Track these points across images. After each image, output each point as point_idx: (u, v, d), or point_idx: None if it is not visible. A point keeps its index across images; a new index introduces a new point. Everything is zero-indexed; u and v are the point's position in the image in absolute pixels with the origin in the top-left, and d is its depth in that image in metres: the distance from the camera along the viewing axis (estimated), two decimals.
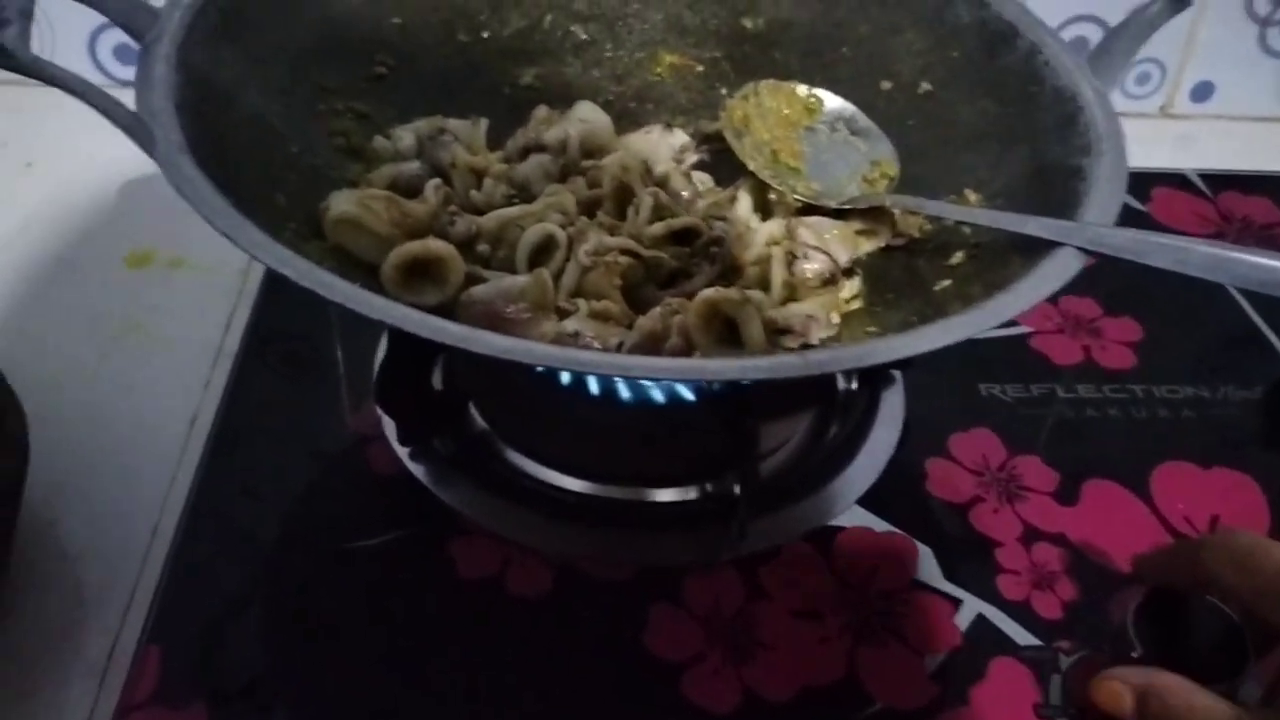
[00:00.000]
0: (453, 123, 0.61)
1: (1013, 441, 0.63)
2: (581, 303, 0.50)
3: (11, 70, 0.44)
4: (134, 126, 0.45)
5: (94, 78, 0.84)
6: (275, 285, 0.70)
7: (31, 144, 0.80)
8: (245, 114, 0.53)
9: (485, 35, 0.67)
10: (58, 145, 0.80)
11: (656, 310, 0.48)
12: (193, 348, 0.66)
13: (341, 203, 0.50)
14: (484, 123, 0.61)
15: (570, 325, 0.48)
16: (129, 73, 0.85)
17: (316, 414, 0.62)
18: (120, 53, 0.85)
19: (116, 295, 0.69)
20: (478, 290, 0.50)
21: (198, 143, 0.46)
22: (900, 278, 0.56)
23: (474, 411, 0.61)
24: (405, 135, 0.58)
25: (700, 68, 0.69)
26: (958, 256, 0.53)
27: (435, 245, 0.49)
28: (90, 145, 0.79)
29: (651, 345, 0.47)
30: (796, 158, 0.60)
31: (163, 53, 0.49)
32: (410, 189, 0.55)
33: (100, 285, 0.69)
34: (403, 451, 0.58)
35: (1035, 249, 0.47)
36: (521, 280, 0.50)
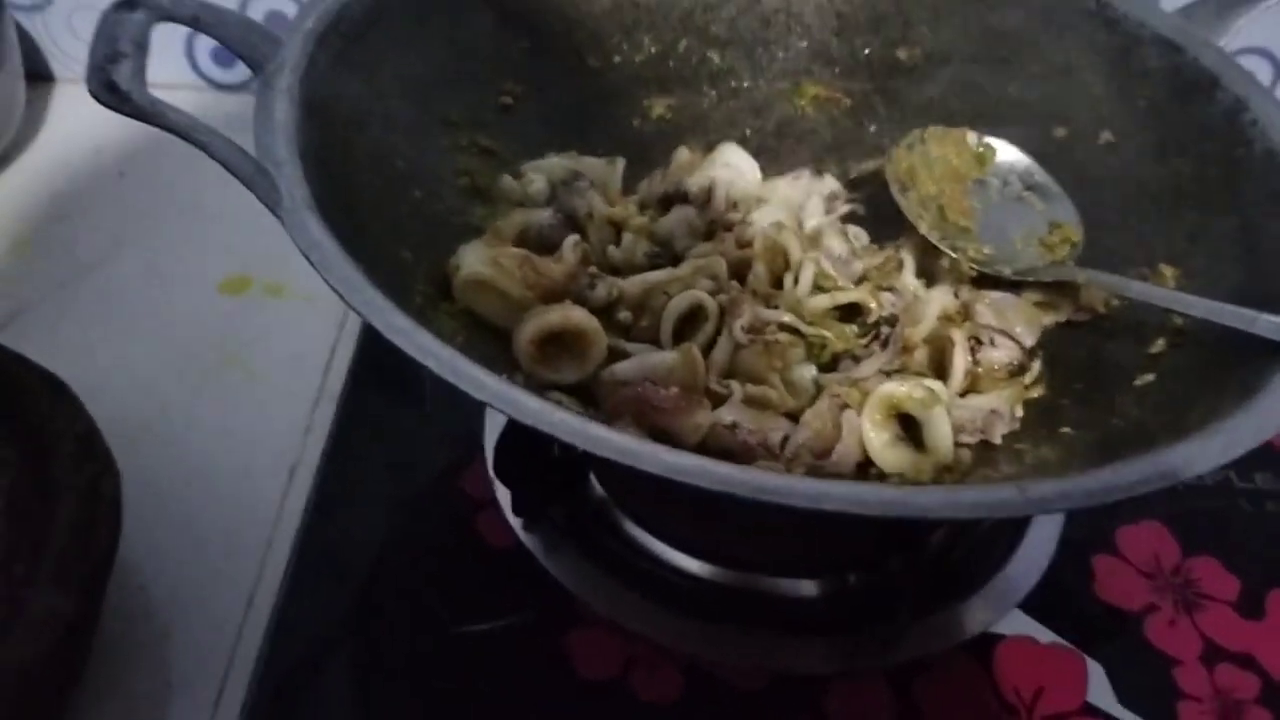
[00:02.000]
0: (587, 162, 0.56)
1: (1187, 538, 0.57)
2: (735, 386, 0.44)
3: (127, 115, 0.40)
4: (257, 180, 0.40)
5: (191, 80, 0.81)
6: None
7: (126, 151, 0.76)
8: (369, 154, 0.49)
9: (617, 61, 0.61)
10: (153, 153, 0.76)
11: (823, 404, 0.43)
12: (293, 387, 0.61)
13: (472, 262, 0.46)
14: (620, 163, 0.56)
15: (726, 415, 0.43)
16: (227, 76, 0.82)
17: (425, 469, 0.57)
18: (218, 55, 0.80)
19: (211, 325, 0.64)
20: (621, 368, 0.44)
21: (324, 195, 0.42)
22: (1087, 362, 0.49)
23: (593, 479, 0.56)
24: (536, 178, 0.52)
25: (848, 101, 0.63)
26: (1158, 344, 0.47)
27: (576, 317, 0.44)
28: (185, 153, 0.75)
29: (820, 446, 0.41)
30: (966, 215, 0.54)
31: (284, 86, 0.45)
32: (541, 240, 0.50)
33: (193, 313, 0.65)
34: (516, 522, 0.53)
35: (1256, 345, 0.41)
36: (669, 357, 0.45)
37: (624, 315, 0.47)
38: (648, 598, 0.50)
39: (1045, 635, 0.51)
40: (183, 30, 0.78)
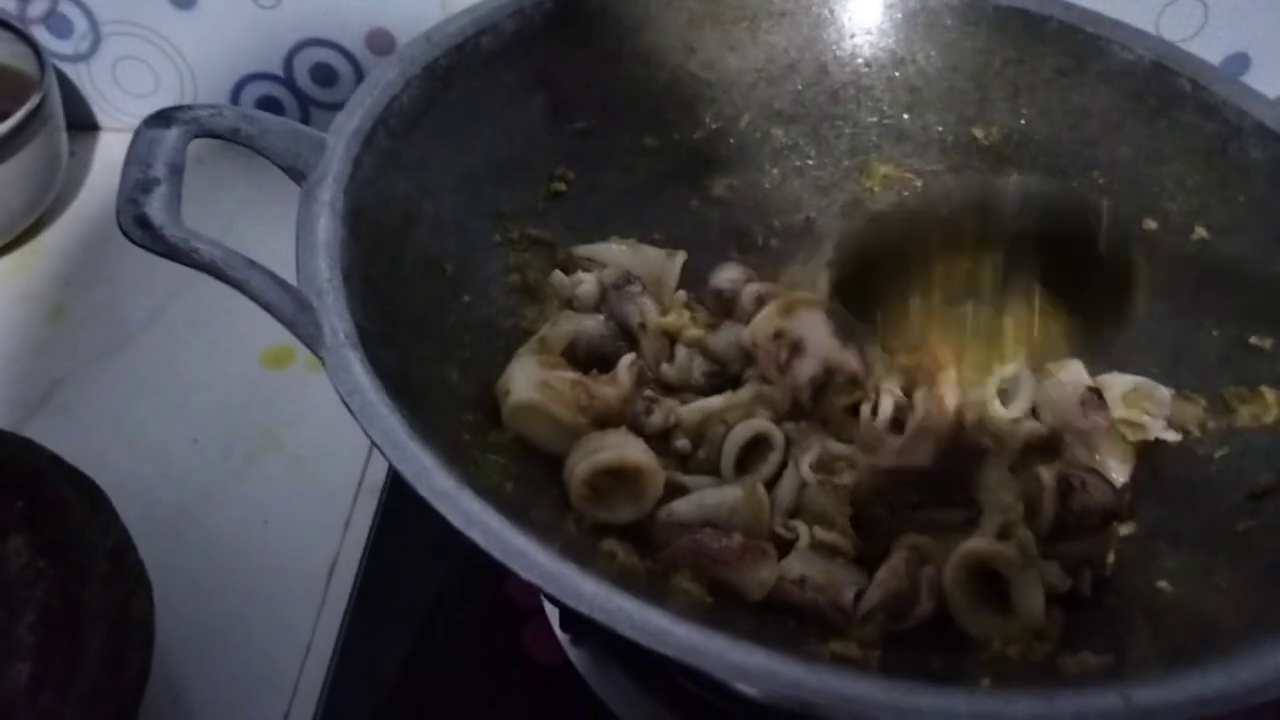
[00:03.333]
0: (647, 252, 0.53)
1: None
2: (802, 529, 0.41)
3: (158, 254, 0.37)
4: (299, 319, 0.37)
5: None
6: None
7: None
8: (417, 261, 0.46)
9: (675, 139, 0.58)
10: (197, 208, 0.73)
11: (899, 560, 0.39)
12: (333, 475, 0.59)
13: (522, 386, 0.43)
14: (680, 258, 0.53)
15: (794, 568, 0.40)
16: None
17: (469, 572, 0.55)
18: (267, 105, 0.78)
19: (250, 401, 0.63)
20: (679, 508, 0.42)
21: (368, 322, 0.39)
22: (1181, 498, 0.46)
23: None
24: (587, 281, 0.49)
25: (919, 182, 0.60)
26: (1265, 478, 0.44)
27: (632, 456, 0.41)
28: (232, 210, 0.74)
29: (896, 607, 0.38)
30: None
31: (326, 199, 0.42)
32: (591, 350, 0.47)
33: (235, 388, 0.63)
34: (564, 637, 0.51)
35: None
36: (730, 496, 0.42)
37: (681, 444, 0.44)
38: None
39: None
40: (230, 77, 0.77)
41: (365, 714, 0.50)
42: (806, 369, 0.44)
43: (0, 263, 0.69)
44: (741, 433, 0.43)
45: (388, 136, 0.46)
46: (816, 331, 0.45)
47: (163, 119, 0.40)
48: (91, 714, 0.42)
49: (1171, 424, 0.48)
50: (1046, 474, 0.42)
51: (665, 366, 0.47)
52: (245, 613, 0.53)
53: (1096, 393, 0.46)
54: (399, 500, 0.58)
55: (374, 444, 0.35)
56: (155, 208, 0.37)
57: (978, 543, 0.39)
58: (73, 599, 0.45)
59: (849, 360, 0.44)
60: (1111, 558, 0.42)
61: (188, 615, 0.52)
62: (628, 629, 0.31)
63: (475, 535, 0.33)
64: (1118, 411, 0.48)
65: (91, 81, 0.78)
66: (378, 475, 0.59)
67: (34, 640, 0.46)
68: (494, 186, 0.52)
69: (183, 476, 0.58)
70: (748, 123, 0.59)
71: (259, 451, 0.60)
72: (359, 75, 0.76)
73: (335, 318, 0.38)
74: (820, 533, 0.41)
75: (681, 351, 0.48)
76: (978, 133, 0.59)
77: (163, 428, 0.61)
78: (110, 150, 0.79)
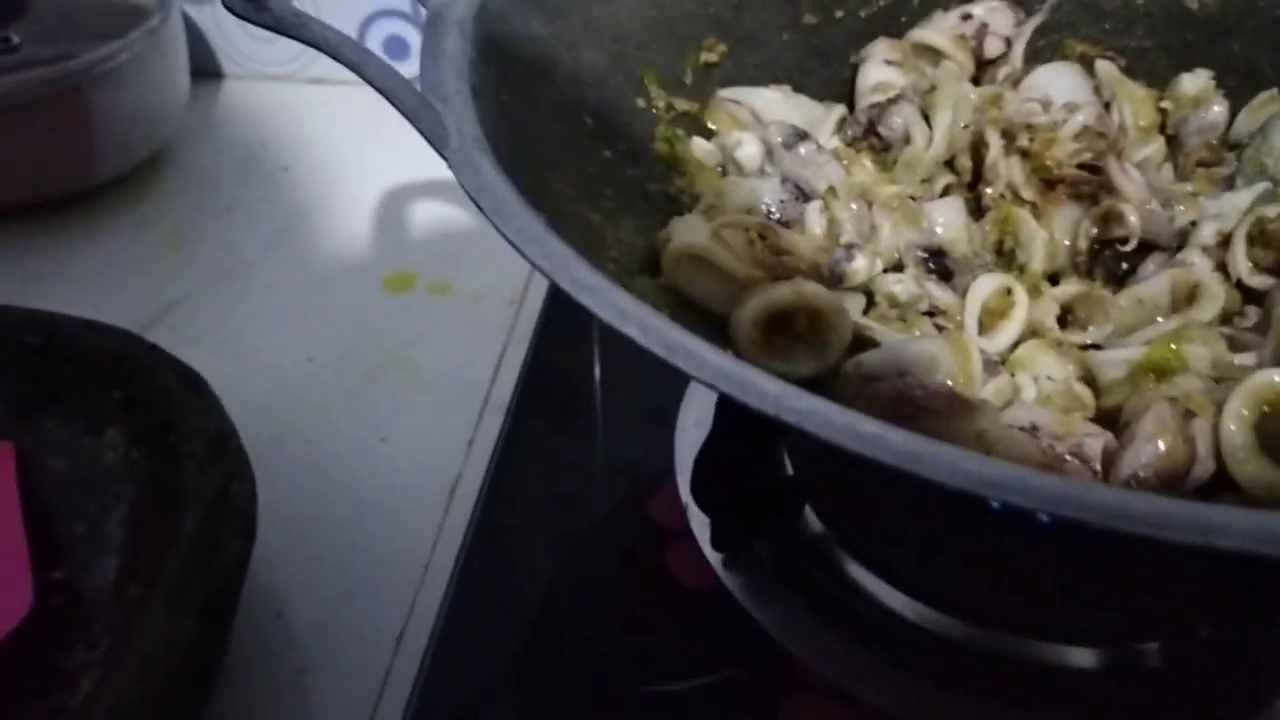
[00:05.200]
0: (801, 102, 0.47)
1: None
2: (1027, 381, 0.33)
3: (270, 28, 0.32)
4: (421, 112, 0.32)
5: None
6: (557, 320, 0.57)
7: (291, 146, 0.71)
8: (553, 104, 0.40)
9: (839, 16, 0.52)
10: (318, 148, 0.70)
11: (1163, 409, 0.31)
12: (456, 396, 0.53)
13: (688, 232, 0.36)
14: (839, 110, 0.46)
15: (1021, 416, 0.32)
16: (403, 68, 0.76)
17: (604, 491, 0.48)
18: (391, 46, 0.75)
19: (373, 325, 0.58)
20: (870, 359, 0.34)
21: (500, 139, 0.33)
22: None
23: (809, 512, 0.45)
24: (747, 142, 0.43)
25: (1122, 60, 0.52)
26: None
27: (811, 292, 0.34)
28: (352, 149, 0.70)
29: (1170, 468, 0.30)
30: None
31: (457, 18, 0.37)
32: (774, 219, 0.40)
33: (355, 312, 0.59)
34: (716, 558, 0.44)
35: None
36: (931, 346, 0.34)
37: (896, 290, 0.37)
38: (883, 659, 0.40)
39: None
40: (359, 13, 0.74)
41: (486, 648, 0.44)
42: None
43: (121, 191, 0.66)
44: (985, 285, 0.36)
45: None
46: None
47: None
48: (180, 607, 0.37)
49: None
50: None
51: (868, 251, 0.39)
52: (359, 530, 0.47)
53: None
54: (526, 419, 0.52)
55: (508, 239, 0.29)
56: None
57: (1274, 375, 0.30)
58: (167, 485, 0.40)
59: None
60: None
61: (298, 529, 0.47)
62: (830, 431, 0.24)
63: (630, 330, 0.26)
64: None
65: (218, 27, 0.76)
66: (503, 395, 0.53)
67: (124, 534, 0.41)
68: (638, 50, 0.46)
69: (298, 394, 0.53)
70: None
71: (379, 372, 0.55)
72: None
73: (463, 121, 0.32)
74: (1048, 383, 0.33)
75: (885, 226, 0.40)
76: (1191, 3, 0.51)
77: (278, 348, 0.56)
78: (233, 96, 0.76)
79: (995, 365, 0.35)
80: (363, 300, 0.59)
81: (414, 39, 0.74)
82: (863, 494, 0.43)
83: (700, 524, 0.44)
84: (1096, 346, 0.38)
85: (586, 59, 0.44)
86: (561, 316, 0.57)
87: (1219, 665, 0.39)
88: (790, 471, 0.45)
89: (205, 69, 0.77)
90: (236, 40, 0.76)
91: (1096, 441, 0.31)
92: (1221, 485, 0.32)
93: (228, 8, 0.32)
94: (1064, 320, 0.39)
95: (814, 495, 0.44)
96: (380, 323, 0.58)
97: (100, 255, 0.62)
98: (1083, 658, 0.41)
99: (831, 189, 0.40)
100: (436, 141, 0.32)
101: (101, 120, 0.62)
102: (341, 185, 0.67)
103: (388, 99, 0.32)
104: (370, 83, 0.32)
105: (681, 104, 0.47)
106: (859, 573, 0.43)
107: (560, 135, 0.40)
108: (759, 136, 0.43)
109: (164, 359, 0.45)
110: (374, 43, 0.74)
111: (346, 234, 0.64)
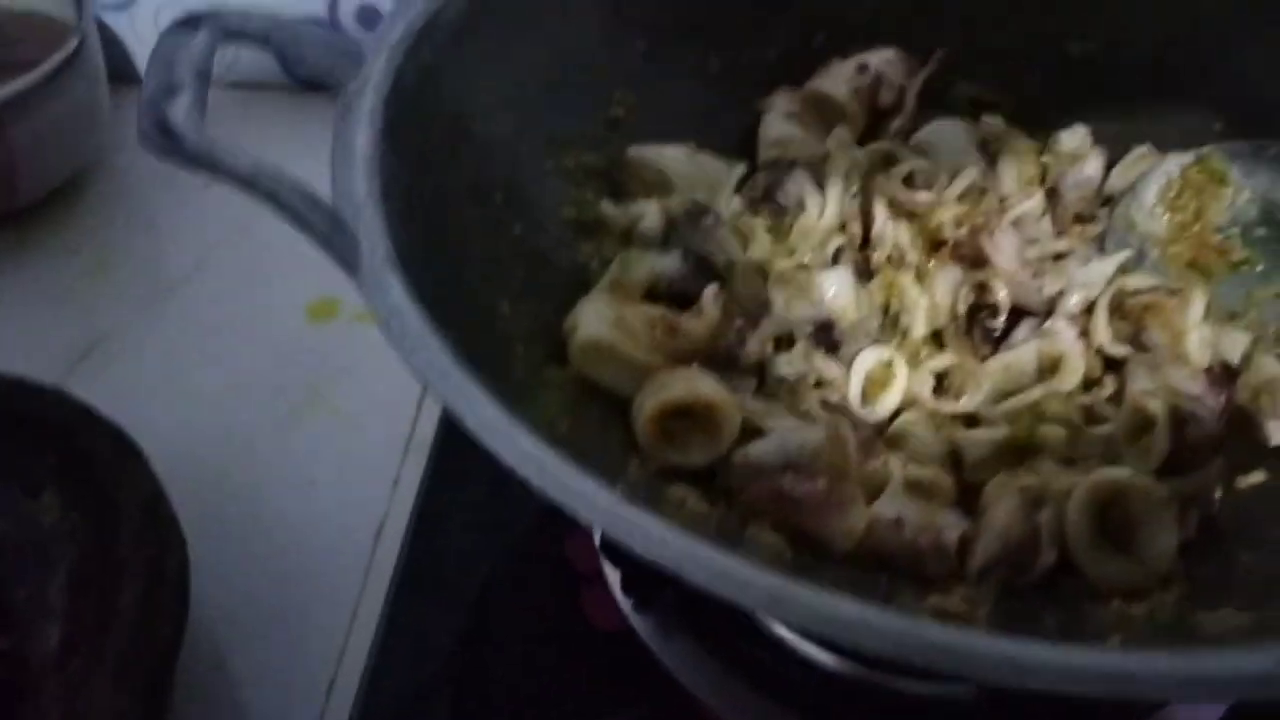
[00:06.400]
0: (703, 160, 0.49)
1: None
2: (896, 465, 0.37)
3: (178, 163, 0.34)
4: (334, 239, 0.34)
5: (283, 79, 0.75)
6: None
7: None
8: (465, 185, 0.42)
9: (744, 61, 0.54)
10: None
11: (1014, 502, 0.35)
12: (380, 431, 0.55)
13: (592, 322, 0.39)
14: (740, 169, 0.49)
15: (887, 509, 0.35)
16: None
17: (524, 534, 0.51)
18: (364, 15, 0.74)
19: (295, 355, 0.59)
20: (757, 450, 0.37)
21: (410, 244, 0.35)
22: None
23: None
24: (649, 214, 0.45)
25: (1011, 107, 0.54)
26: None
27: (704, 391, 0.37)
28: (273, 157, 0.70)
29: (1018, 557, 0.34)
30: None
31: (366, 109, 0.38)
32: (673, 295, 0.43)
33: (277, 341, 0.60)
34: (626, 602, 0.47)
35: None
36: (814, 437, 0.37)
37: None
38: (783, 703, 0.43)
39: None
40: None
41: (416, 683, 0.47)
42: None
43: (43, 215, 0.66)
44: (870, 358, 0.39)
45: (432, 50, 0.42)
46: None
47: (189, 23, 0.37)
48: (123, 680, 0.39)
49: None
50: (1154, 404, 0.37)
51: (765, 324, 0.42)
52: (289, 577, 0.50)
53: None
54: (449, 457, 0.54)
55: (413, 372, 0.31)
56: (178, 114, 0.34)
57: (1113, 473, 0.34)
58: (105, 554, 0.42)
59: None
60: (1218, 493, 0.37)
61: (228, 578, 0.49)
62: (703, 576, 0.27)
63: (529, 472, 0.29)
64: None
65: (134, 30, 0.75)
66: (427, 431, 0.55)
67: (64, 602, 0.43)
68: (547, 109, 0.47)
69: (225, 433, 0.55)
70: (823, 41, 0.54)
71: (305, 406, 0.57)
72: None
73: (374, 235, 0.34)
74: (915, 469, 0.36)
75: (779, 300, 0.42)
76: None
77: (203, 383, 0.58)
78: None
79: (873, 445, 0.39)
80: (286, 330, 0.61)
81: (385, 6, 0.73)
82: None
83: (612, 568, 0.48)
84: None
85: (496, 127, 0.45)
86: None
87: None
88: None
89: (124, 75, 0.76)
90: (153, 44, 0.76)
91: (954, 533, 0.35)
92: (1066, 570, 0.35)
93: (147, 144, 0.33)
94: (941, 386, 0.43)
95: None
96: (304, 354, 0.59)
97: (24, 288, 0.62)
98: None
99: (730, 264, 0.43)
100: (347, 268, 0.34)
101: (22, 149, 0.62)
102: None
103: (301, 229, 0.34)
104: (284, 213, 0.34)
105: (591, 161, 0.49)
106: (762, 619, 0.47)
107: (473, 218, 0.42)
108: (662, 208, 0.45)
109: (96, 421, 0.46)
110: (346, 14, 0.73)
111: (269, 258, 0.65)
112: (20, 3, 0.67)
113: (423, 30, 0.42)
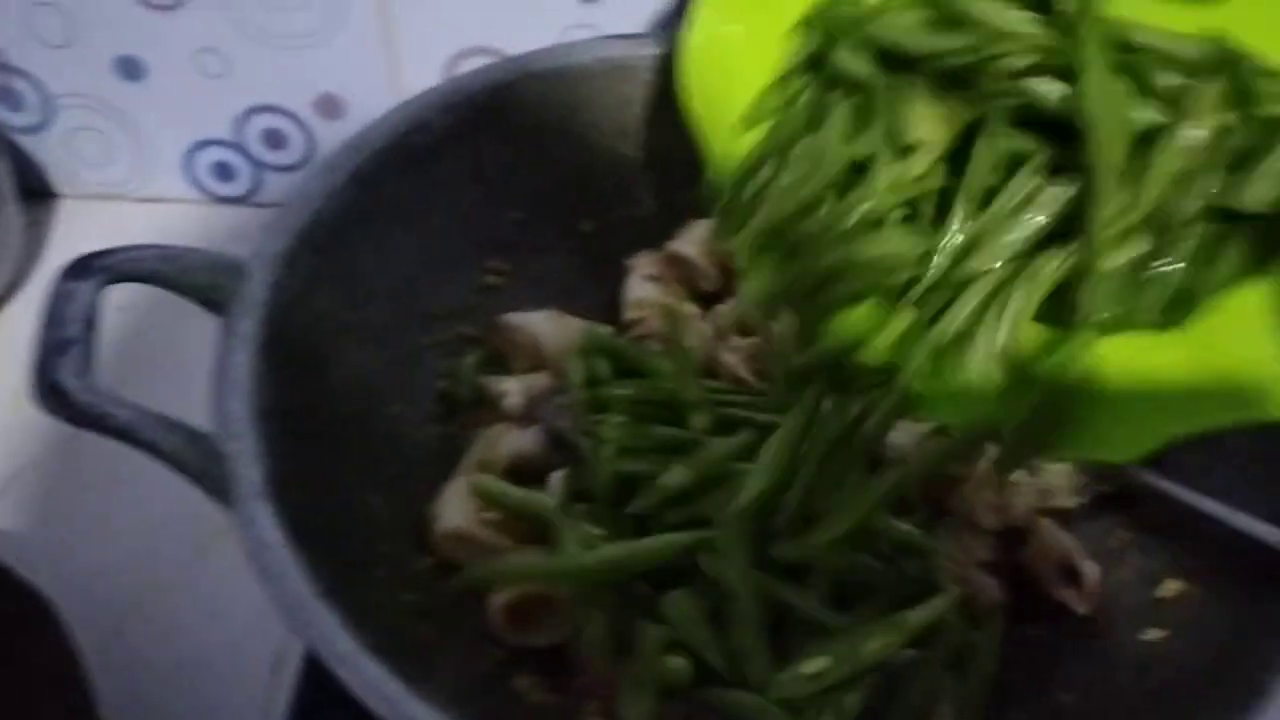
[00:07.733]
0: (570, 323, 0.53)
1: None
2: None
3: (67, 421, 0.38)
4: (209, 472, 0.38)
5: (192, 195, 0.79)
6: None
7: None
8: (344, 381, 0.47)
9: (612, 220, 0.58)
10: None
11: None
12: None
13: (453, 514, 0.44)
14: (605, 331, 0.54)
15: None
16: (229, 189, 0.80)
17: None
18: (219, 170, 0.78)
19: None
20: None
21: (285, 461, 0.40)
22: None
23: None
24: (512, 393, 0.50)
25: None
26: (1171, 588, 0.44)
27: (538, 589, 0.42)
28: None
29: None
30: None
31: (244, 333, 0.43)
32: (532, 470, 0.48)
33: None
34: None
35: None
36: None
37: None
38: None
39: None
40: (182, 142, 0.77)
41: None
42: None
43: None
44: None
45: (313, 254, 0.46)
46: None
47: (79, 269, 0.40)
48: None
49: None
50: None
51: None
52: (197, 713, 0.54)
53: None
54: None
55: (274, 605, 0.36)
56: (67, 372, 0.38)
57: None
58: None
59: None
60: None
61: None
62: None
63: (376, 705, 0.34)
64: None
65: (49, 152, 0.78)
66: None
67: None
68: (425, 287, 0.52)
69: (134, 569, 0.59)
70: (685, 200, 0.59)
71: (207, 540, 0.61)
72: (309, 139, 0.76)
73: (247, 465, 0.39)
74: None
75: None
76: None
77: (113, 518, 0.61)
78: (71, 217, 0.79)
79: None
80: None
81: (238, 163, 0.78)
82: None
83: None
84: None
85: (375, 314, 0.50)
86: None
87: None
88: None
89: (37, 189, 0.79)
90: (68, 164, 0.79)
91: None
92: None
93: (36, 401, 0.37)
94: None
95: None
96: None
97: None
98: None
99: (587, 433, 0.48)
100: (221, 499, 0.38)
101: None
102: (175, 327, 0.71)
103: (177, 471, 0.38)
104: (162, 460, 0.38)
105: (466, 330, 0.54)
106: None
107: (349, 411, 0.46)
108: (524, 387, 0.50)
109: (10, 582, 0.50)
110: (202, 168, 0.77)
111: (182, 382, 0.68)
112: None
113: (304, 236, 0.46)
